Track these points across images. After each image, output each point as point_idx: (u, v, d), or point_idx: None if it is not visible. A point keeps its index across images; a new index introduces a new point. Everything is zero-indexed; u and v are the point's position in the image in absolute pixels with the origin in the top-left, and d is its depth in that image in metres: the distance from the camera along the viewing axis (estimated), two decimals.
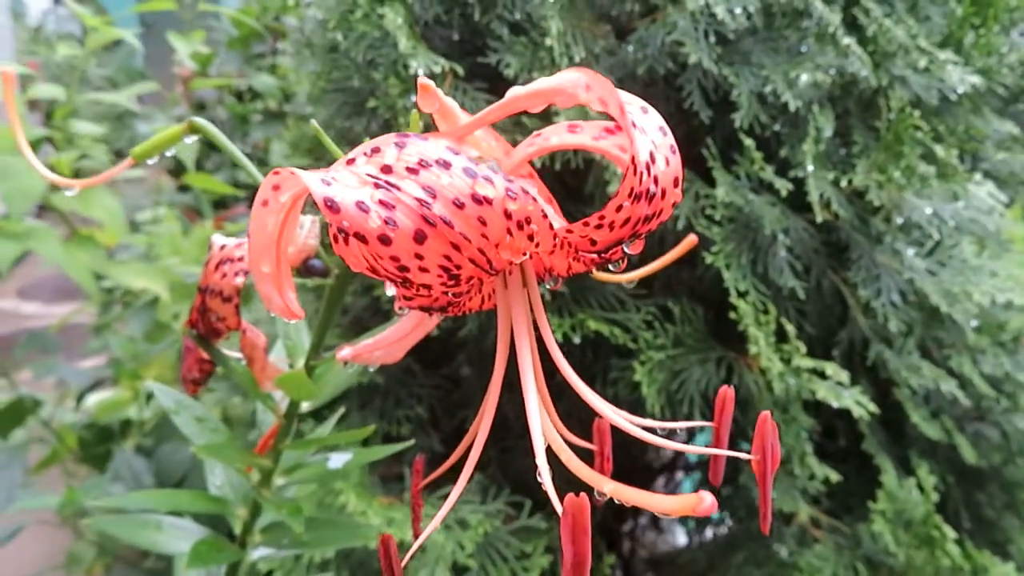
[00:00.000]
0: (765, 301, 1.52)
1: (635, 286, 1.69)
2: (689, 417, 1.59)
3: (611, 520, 2.21)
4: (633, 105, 0.49)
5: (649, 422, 0.54)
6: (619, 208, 0.46)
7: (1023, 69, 1.74)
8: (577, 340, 1.58)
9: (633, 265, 0.79)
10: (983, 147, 1.70)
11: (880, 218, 1.58)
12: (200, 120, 0.73)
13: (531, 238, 0.45)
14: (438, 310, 0.57)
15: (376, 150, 0.44)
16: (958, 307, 1.52)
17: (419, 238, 0.42)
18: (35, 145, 2.53)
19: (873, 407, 1.47)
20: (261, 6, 5.25)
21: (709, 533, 2.23)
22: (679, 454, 2.39)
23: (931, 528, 1.49)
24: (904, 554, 1.53)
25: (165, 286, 2.52)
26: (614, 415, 0.53)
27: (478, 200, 0.43)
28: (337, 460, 0.85)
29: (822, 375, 1.50)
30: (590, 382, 1.85)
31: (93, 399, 2.85)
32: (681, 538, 2.34)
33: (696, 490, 1.50)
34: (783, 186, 1.51)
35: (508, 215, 0.44)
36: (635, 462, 2.35)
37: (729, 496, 2.18)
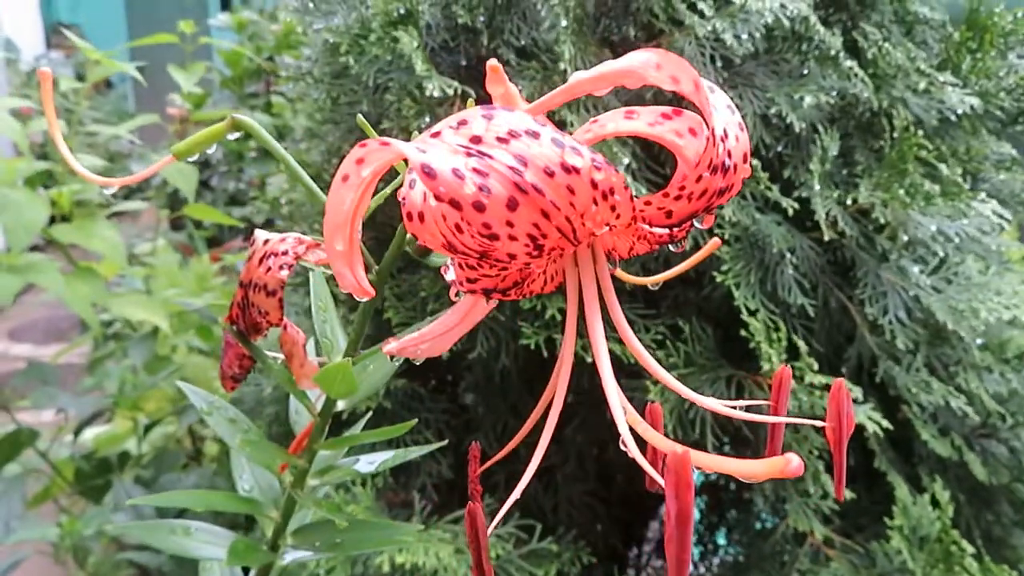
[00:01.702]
0: (775, 319, 1.53)
1: (643, 307, 1.71)
2: (702, 435, 1.59)
3: (619, 547, 2.19)
4: (704, 83, 0.50)
5: (712, 400, 0.54)
6: (698, 179, 0.47)
7: (1019, 92, 1.78)
8: (588, 360, 1.58)
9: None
10: (983, 168, 1.74)
11: (885, 236, 1.61)
12: (242, 116, 0.73)
13: (613, 208, 0.46)
14: (500, 292, 0.58)
15: (463, 123, 0.45)
16: (964, 324, 1.54)
17: (512, 205, 0.43)
18: (36, 180, 2.52)
19: (887, 423, 1.48)
20: (255, 47, 5.31)
21: (716, 560, 2.22)
22: None
23: (948, 544, 1.49)
24: (921, 572, 1.52)
25: (164, 317, 2.50)
26: (675, 383, 0.53)
27: (567, 169, 0.44)
28: (367, 462, 0.84)
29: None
30: (602, 403, 1.85)
31: (90, 433, 2.81)
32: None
33: (701, 519, 1.50)
34: (789, 204, 1.53)
35: (595, 185, 0.44)
36: (639, 491, 2.34)
37: (738, 519, 2.17)
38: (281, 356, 0.81)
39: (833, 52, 1.66)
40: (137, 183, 4.70)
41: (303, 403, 0.79)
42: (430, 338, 0.71)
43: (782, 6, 1.52)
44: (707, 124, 0.47)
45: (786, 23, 1.56)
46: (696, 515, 2.30)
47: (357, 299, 0.53)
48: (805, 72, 1.74)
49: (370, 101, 1.72)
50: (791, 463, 0.43)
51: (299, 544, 0.83)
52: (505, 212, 0.43)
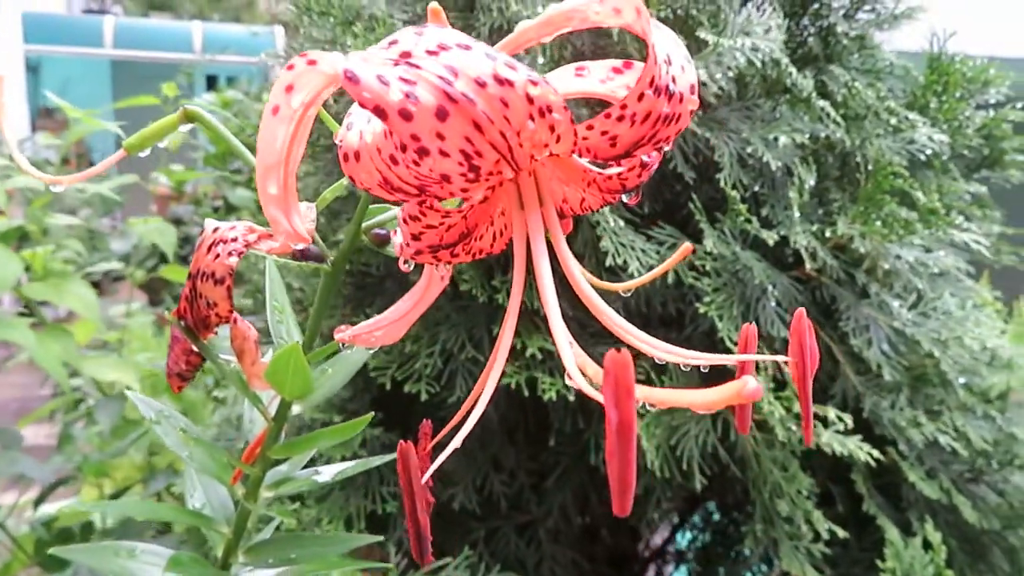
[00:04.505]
0: (760, 351, 1.50)
1: (625, 347, 1.67)
2: (688, 476, 1.54)
3: None
4: (648, 13, 0.48)
5: (684, 352, 0.51)
6: (640, 97, 0.45)
7: (986, 133, 1.81)
8: (572, 397, 1.54)
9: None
10: (956, 205, 1.75)
11: (864, 269, 1.60)
12: (195, 107, 0.72)
13: (552, 129, 0.44)
14: (447, 251, 0.55)
15: (393, 42, 0.43)
16: (949, 354, 1.52)
17: (441, 115, 0.41)
18: (10, 235, 2.50)
19: (877, 453, 1.44)
20: (239, 125, 5.39)
21: None
22: (667, 542, 2.31)
23: None
24: None
25: (136, 378, 2.44)
26: (633, 333, 0.50)
27: (500, 81, 0.42)
28: (327, 473, 0.80)
29: (823, 422, 1.47)
30: (585, 449, 1.80)
31: (54, 507, 2.71)
32: None
33: None
34: (769, 236, 1.52)
35: (530, 100, 0.43)
36: (624, 551, 2.26)
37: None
38: (233, 359, 0.78)
39: (805, 94, 1.68)
40: (120, 254, 4.63)
41: (255, 405, 0.75)
42: (384, 324, 0.68)
43: (753, 47, 1.54)
44: (647, 43, 0.45)
45: (758, 63, 1.59)
46: None
47: (285, 251, 0.50)
48: (778, 116, 1.76)
49: None
50: (747, 385, 0.39)
51: (251, 561, 0.78)
52: (434, 122, 0.41)
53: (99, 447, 2.45)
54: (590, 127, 0.46)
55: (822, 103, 1.66)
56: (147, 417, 0.76)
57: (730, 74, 1.63)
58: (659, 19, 1.70)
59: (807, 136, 1.69)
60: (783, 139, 1.62)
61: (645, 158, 0.50)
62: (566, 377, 0.45)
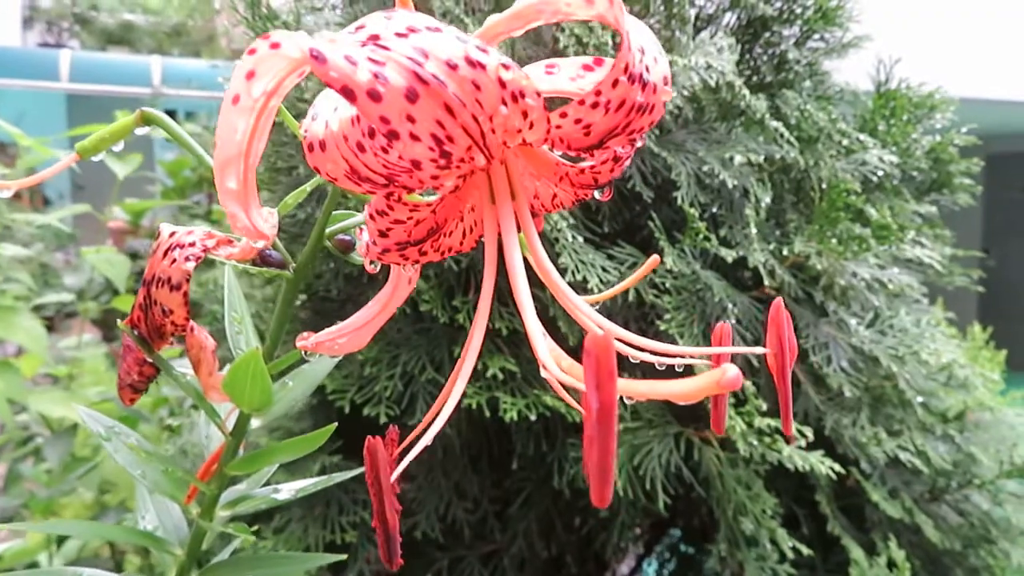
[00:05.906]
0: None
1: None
2: (652, 497, 1.53)
3: None
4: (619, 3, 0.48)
5: (657, 349, 0.50)
6: (615, 84, 0.45)
7: (930, 160, 1.86)
8: (533, 417, 1.52)
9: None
10: (909, 225, 1.78)
11: (822, 287, 1.62)
12: (152, 110, 0.70)
13: (525, 115, 0.43)
14: (415, 248, 0.54)
15: (361, 26, 0.42)
16: (907, 370, 1.54)
17: (411, 96, 0.40)
18: None
19: (839, 467, 1.44)
20: (198, 157, 5.33)
21: None
22: (633, 571, 2.29)
23: None
24: None
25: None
26: (608, 328, 0.49)
27: (472, 63, 0.41)
28: (287, 490, 0.77)
29: (785, 438, 1.47)
30: (549, 473, 1.78)
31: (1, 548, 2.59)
32: None
33: None
34: (728, 254, 1.54)
35: (503, 83, 0.42)
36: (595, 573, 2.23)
37: None
38: (188, 370, 0.75)
39: (759, 116, 1.71)
40: (74, 289, 4.51)
41: (212, 419, 0.72)
42: (349, 331, 0.66)
43: (708, 65, 1.57)
44: (620, 32, 0.45)
45: (712, 83, 1.61)
46: None
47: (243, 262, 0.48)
48: (733, 138, 1.79)
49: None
50: (727, 372, 0.39)
51: None
52: (404, 104, 0.40)
53: (47, 484, 2.35)
54: (563, 115, 0.46)
55: (776, 124, 1.69)
56: (96, 432, 0.73)
57: (685, 93, 1.66)
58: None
59: (762, 157, 1.72)
60: (739, 158, 1.65)
61: (619, 150, 0.50)
62: (540, 368, 0.44)
